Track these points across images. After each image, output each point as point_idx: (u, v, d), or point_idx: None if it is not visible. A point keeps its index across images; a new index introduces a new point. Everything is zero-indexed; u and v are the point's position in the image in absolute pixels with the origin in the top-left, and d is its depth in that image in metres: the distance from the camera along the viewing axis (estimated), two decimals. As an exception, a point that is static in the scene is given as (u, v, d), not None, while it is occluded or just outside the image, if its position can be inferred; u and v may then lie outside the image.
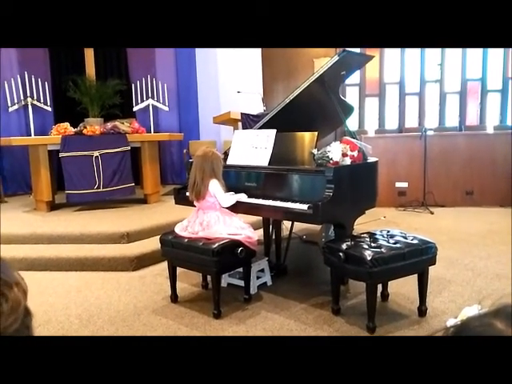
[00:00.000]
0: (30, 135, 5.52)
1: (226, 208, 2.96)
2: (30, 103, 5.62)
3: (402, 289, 3.02)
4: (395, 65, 8.00)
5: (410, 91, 8.02)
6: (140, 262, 3.73)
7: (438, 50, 7.73)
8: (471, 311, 0.64)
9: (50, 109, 5.97)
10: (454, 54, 7.75)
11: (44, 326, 2.69)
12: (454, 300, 2.88)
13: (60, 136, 4.99)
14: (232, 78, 6.85)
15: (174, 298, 3.01)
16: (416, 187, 5.91)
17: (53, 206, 5.28)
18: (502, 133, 6.33)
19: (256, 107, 5.74)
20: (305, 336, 2.47)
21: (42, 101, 5.73)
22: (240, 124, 5.37)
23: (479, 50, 7.65)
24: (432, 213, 5.54)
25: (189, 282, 3.35)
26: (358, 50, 6.52)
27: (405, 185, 6.02)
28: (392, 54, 7.96)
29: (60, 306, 2.99)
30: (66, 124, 5.19)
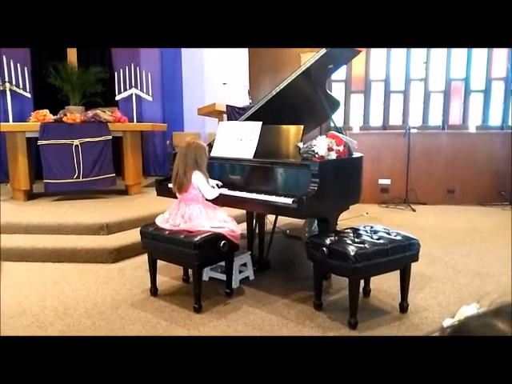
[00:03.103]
0: (8, 121, 5.35)
1: (210, 201, 2.90)
2: (8, 89, 5.44)
3: (384, 285, 3.02)
4: (381, 62, 8.02)
5: (394, 89, 8.06)
6: (119, 254, 3.65)
7: (423, 49, 7.78)
8: (469, 310, 0.61)
9: (29, 95, 5.80)
10: (438, 53, 7.81)
11: (18, 318, 2.60)
12: (435, 297, 2.90)
13: (39, 123, 4.84)
14: (218, 70, 6.77)
15: (154, 291, 2.95)
16: (399, 184, 5.94)
17: (30, 196, 5.13)
18: (484, 132, 6.44)
19: (242, 100, 5.68)
20: (287, 336, 2.45)
21: (21, 86, 5.55)
22: (225, 116, 5.31)
23: (464, 51, 7.73)
24: (414, 210, 5.59)
25: (169, 275, 3.29)
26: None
27: (388, 182, 6.05)
28: (378, 51, 7.97)
29: (35, 298, 2.90)
30: (46, 111, 5.03)
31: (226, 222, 2.84)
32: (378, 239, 2.56)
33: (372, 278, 2.86)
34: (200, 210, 2.84)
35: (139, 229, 3.00)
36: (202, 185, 2.83)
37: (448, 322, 0.61)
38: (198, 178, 2.82)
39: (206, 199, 2.88)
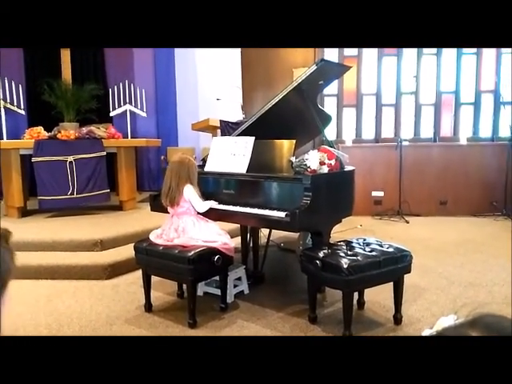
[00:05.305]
0: (2, 139, 5.36)
1: (204, 215, 2.92)
2: (2, 106, 5.46)
3: (378, 297, 3.03)
4: (372, 76, 8.14)
5: (386, 102, 8.16)
6: (114, 271, 3.64)
7: (413, 63, 7.91)
8: (447, 321, 0.63)
9: (23, 112, 5.81)
10: (428, 66, 7.95)
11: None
12: (429, 308, 2.91)
13: (33, 140, 4.86)
14: (211, 85, 6.84)
15: (148, 307, 2.94)
16: (392, 196, 5.99)
17: (24, 212, 5.12)
18: (475, 144, 6.54)
19: (235, 115, 5.73)
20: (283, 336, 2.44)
21: (15, 104, 5.57)
22: (219, 131, 5.35)
23: (453, 64, 7.87)
24: (407, 222, 5.63)
25: (164, 290, 3.28)
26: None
27: (381, 194, 6.10)
28: (369, 65, 8.10)
29: (28, 316, 2.88)
30: (40, 128, 5.06)
31: (220, 235, 2.86)
32: (370, 251, 2.58)
33: (366, 291, 2.87)
34: (193, 223, 2.86)
35: (133, 244, 3.01)
36: (193, 198, 2.86)
37: (427, 333, 0.63)
38: (189, 191, 2.85)
39: (198, 213, 2.91)
